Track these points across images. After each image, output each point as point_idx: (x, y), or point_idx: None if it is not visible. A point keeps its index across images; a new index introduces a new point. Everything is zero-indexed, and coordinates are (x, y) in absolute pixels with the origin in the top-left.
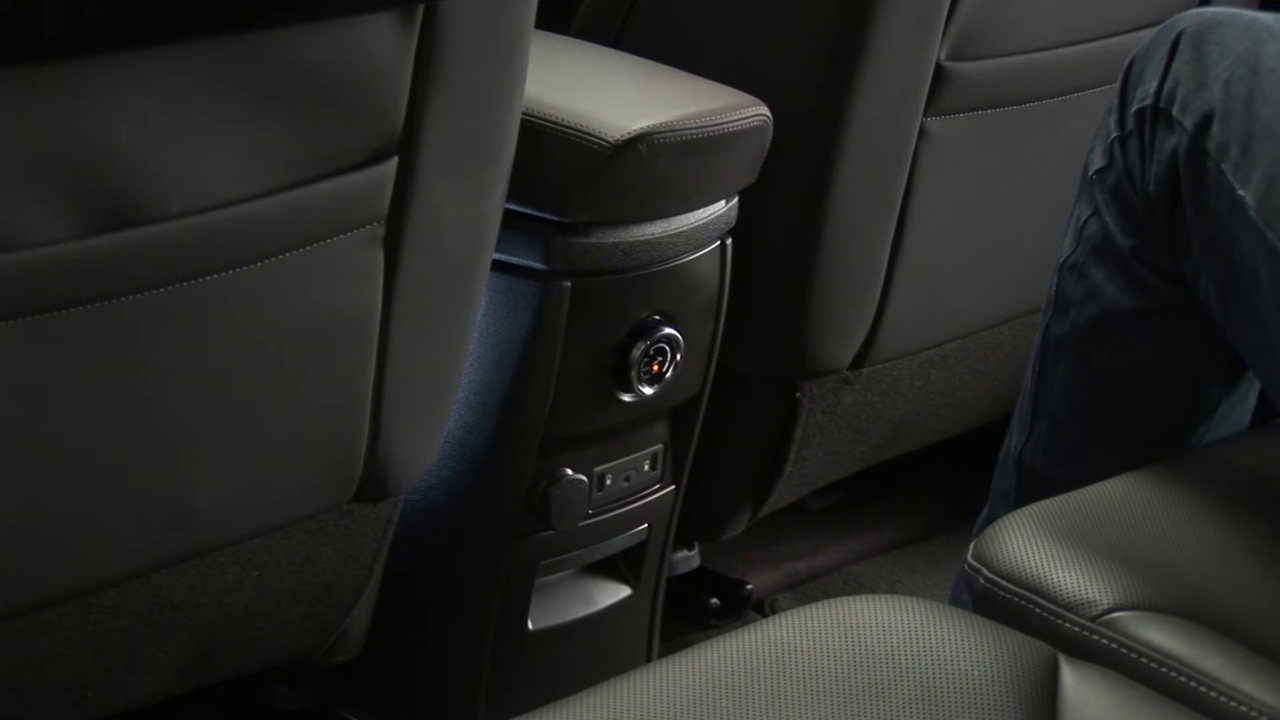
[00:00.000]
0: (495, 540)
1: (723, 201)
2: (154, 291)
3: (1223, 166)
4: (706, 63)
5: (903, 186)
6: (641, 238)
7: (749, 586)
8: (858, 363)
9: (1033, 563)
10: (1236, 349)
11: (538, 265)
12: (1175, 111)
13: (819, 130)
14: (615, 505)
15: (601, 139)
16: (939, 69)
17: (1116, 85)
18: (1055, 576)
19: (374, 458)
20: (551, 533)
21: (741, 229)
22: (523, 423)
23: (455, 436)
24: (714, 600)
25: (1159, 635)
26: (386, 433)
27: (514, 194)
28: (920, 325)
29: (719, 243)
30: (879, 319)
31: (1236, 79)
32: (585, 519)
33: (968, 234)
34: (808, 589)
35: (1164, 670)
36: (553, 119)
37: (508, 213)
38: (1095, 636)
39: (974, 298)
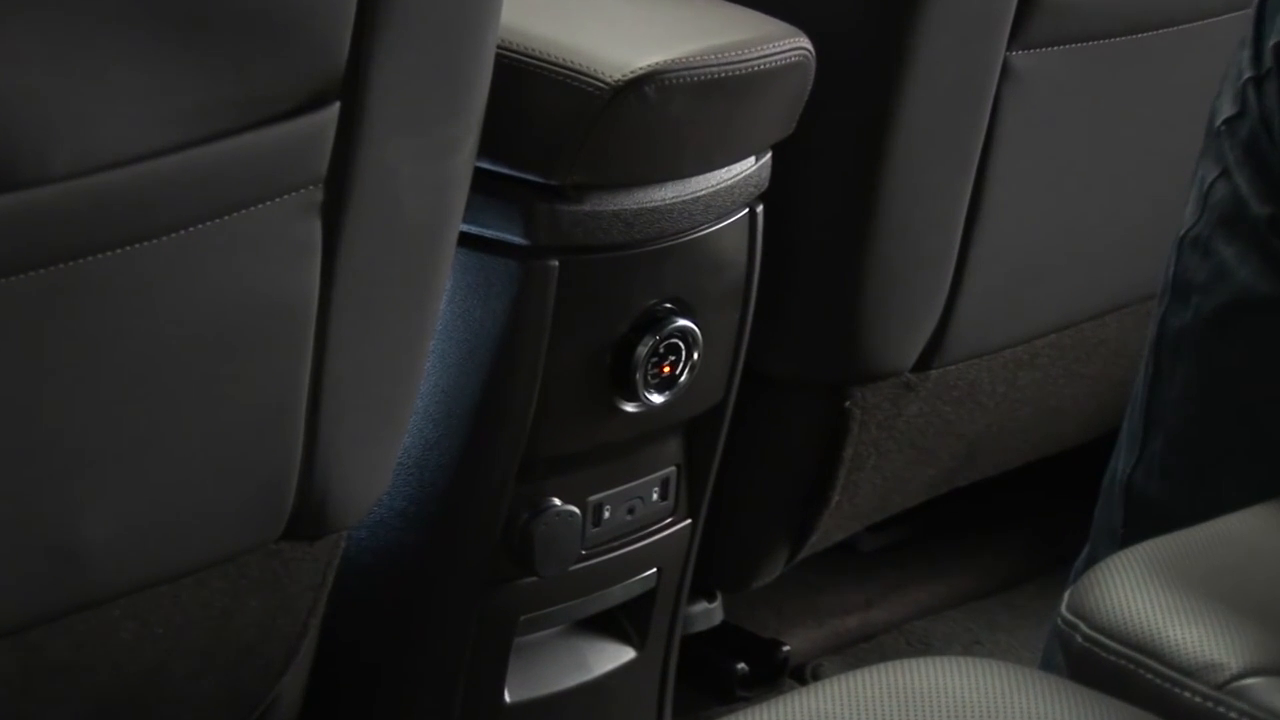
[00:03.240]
0: (464, 589)
1: (752, 159)
2: (31, 273)
3: None
4: None
5: (981, 140)
6: (649, 205)
7: (785, 648)
8: (924, 364)
9: (1143, 616)
10: None
11: (517, 240)
12: None
13: (874, 68)
14: (615, 544)
15: (598, 80)
16: None
17: (1250, 12)
18: (1172, 633)
19: (309, 483)
20: (535, 579)
21: (775, 193)
22: (499, 439)
23: (413, 457)
24: (741, 665)
25: None
26: (325, 451)
27: (486, 150)
28: (1003, 316)
29: (747, 211)
30: (950, 308)
31: None
32: (577, 561)
33: (1063, 200)
34: (860, 651)
35: None
36: (536, 54)
37: (479, 173)
38: (1221, 708)
39: (1071, 281)
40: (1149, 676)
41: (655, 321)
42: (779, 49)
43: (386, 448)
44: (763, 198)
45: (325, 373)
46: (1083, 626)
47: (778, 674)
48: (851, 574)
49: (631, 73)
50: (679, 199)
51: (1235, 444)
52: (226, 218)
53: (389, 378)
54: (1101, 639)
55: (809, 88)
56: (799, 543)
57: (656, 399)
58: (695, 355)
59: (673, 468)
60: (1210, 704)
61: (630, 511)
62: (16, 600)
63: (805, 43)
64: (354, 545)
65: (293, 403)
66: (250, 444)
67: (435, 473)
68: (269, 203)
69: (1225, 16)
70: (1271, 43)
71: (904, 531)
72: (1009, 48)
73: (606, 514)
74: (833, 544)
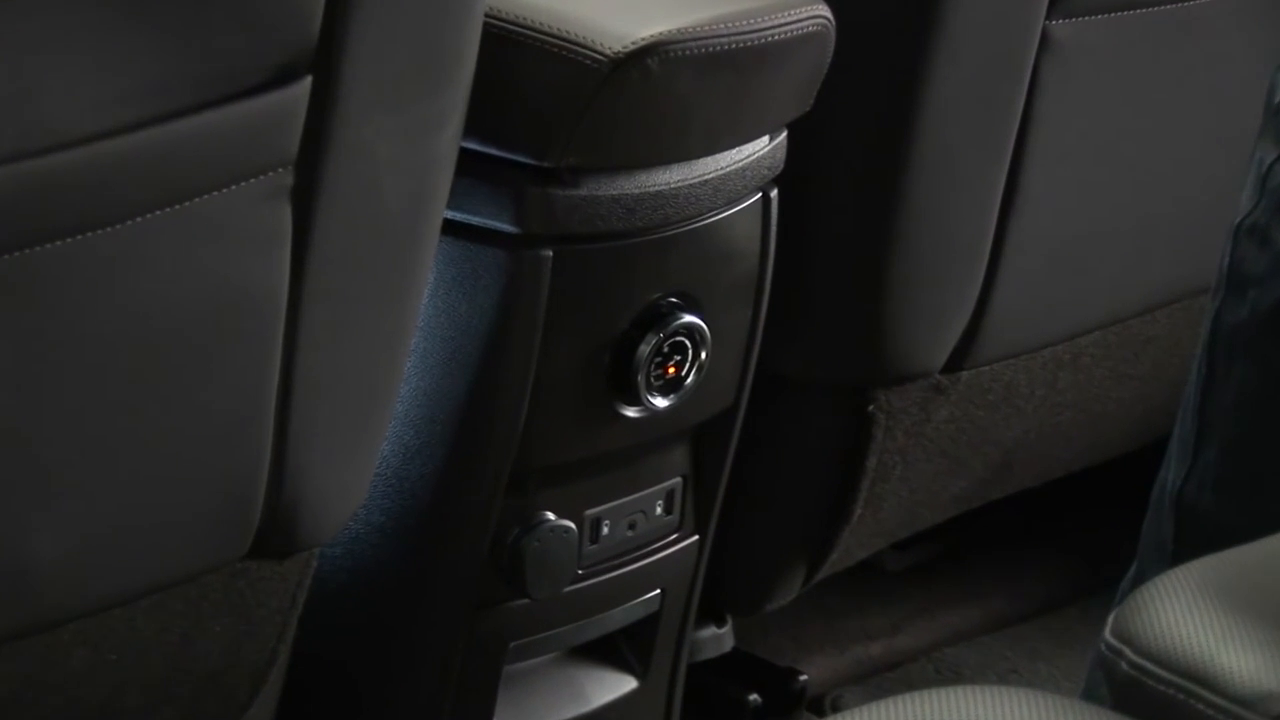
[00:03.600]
0: (448, 612)
1: (766, 138)
2: None
3: None
4: None
5: (1018, 118)
6: (651, 189)
7: (803, 677)
8: (955, 364)
9: (1195, 641)
10: None
11: (507, 227)
12: None
13: (900, 38)
14: (615, 563)
15: (596, 52)
16: None
17: None
18: (1226, 660)
19: (278, 496)
20: (526, 601)
21: (791, 176)
22: (487, 447)
23: (393, 466)
24: (754, 696)
25: None
26: (296, 460)
27: (473, 129)
28: (1042, 311)
29: (760, 195)
30: (984, 303)
31: None
32: (573, 582)
33: (1107, 184)
34: (885, 681)
35: None
36: (528, 24)
37: (465, 155)
38: None
39: (1116, 273)
40: (1200, 707)
41: (659, 318)
42: (795, 18)
43: (363, 456)
44: (777, 181)
45: (295, 374)
46: (1128, 652)
47: (794, 706)
48: (875, 596)
49: (633, 44)
50: (685, 183)
51: None
52: (187, 204)
53: (366, 379)
54: (1149, 666)
55: (828, 60)
56: (818, 561)
57: (660, 403)
58: (703, 355)
59: (678, 479)
60: None
61: (631, 527)
62: None
63: (824, 11)
64: (327, 564)
65: (260, 406)
66: (213, 452)
67: (417, 484)
68: (233, 187)
69: None
70: None
71: (933, 549)
72: (1048, 16)
73: (605, 529)
74: (855, 563)
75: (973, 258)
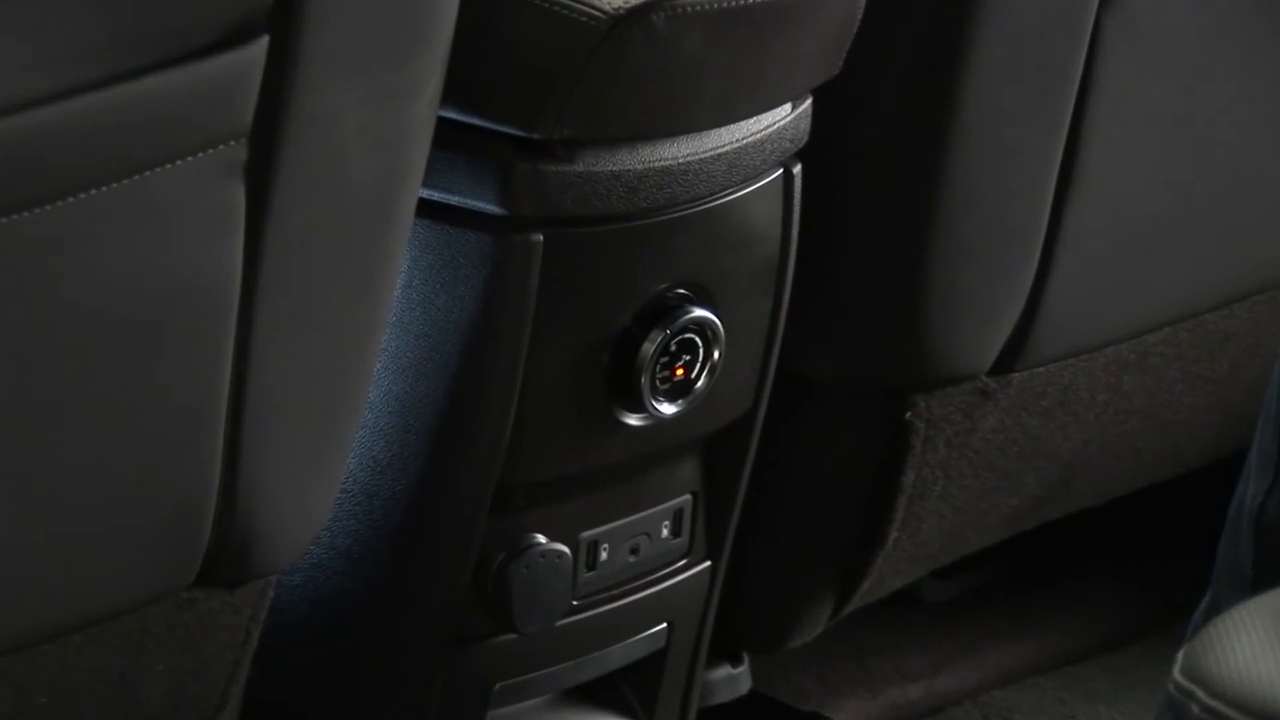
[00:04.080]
0: (425, 649)
1: (788, 106)
2: None
3: None
4: None
5: (1075, 84)
6: (657, 164)
7: None
8: (1004, 365)
9: (1275, 680)
10: None
11: (491, 208)
12: None
13: None
14: (615, 593)
15: (593, 7)
16: None
17: None
18: None
19: (229, 515)
20: (514, 637)
21: (817, 150)
22: (468, 460)
23: (360, 483)
24: None
25: None
26: (250, 475)
27: (452, 96)
28: (1103, 305)
29: (781, 171)
30: (1038, 295)
31: None
32: (567, 615)
33: (1178, 159)
34: None
35: None
36: None
37: (444, 125)
38: None
39: (1189, 261)
40: None
41: (665, 312)
42: None
43: (326, 471)
44: (801, 155)
45: (250, 375)
46: (1200, 694)
47: None
48: (913, 631)
49: None
50: (695, 157)
51: None
52: (126, 181)
53: (330, 382)
54: (1224, 709)
55: (859, 17)
56: (847, 592)
57: (666, 409)
58: (715, 354)
59: (687, 496)
60: None
61: (634, 551)
62: None
63: None
64: (286, 594)
65: (209, 413)
66: (155, 465)
67: (388, 503)
68: (179, 163)
69: None
70: None
71: (979, 578)
72: None
73: (604, 555)
74: (890, 593)
75: (1025, 243)
